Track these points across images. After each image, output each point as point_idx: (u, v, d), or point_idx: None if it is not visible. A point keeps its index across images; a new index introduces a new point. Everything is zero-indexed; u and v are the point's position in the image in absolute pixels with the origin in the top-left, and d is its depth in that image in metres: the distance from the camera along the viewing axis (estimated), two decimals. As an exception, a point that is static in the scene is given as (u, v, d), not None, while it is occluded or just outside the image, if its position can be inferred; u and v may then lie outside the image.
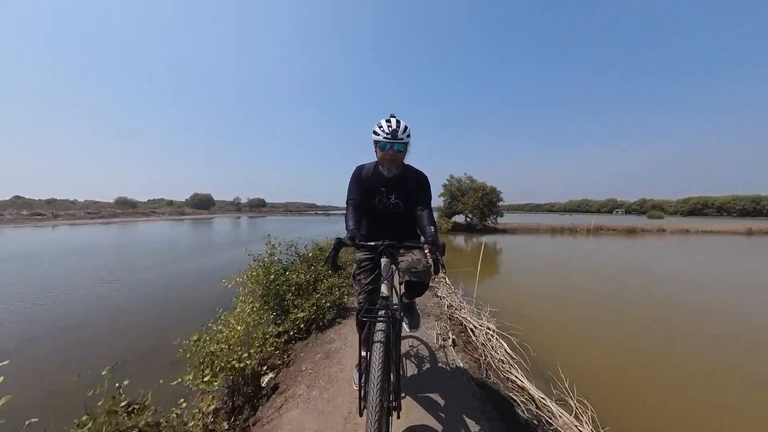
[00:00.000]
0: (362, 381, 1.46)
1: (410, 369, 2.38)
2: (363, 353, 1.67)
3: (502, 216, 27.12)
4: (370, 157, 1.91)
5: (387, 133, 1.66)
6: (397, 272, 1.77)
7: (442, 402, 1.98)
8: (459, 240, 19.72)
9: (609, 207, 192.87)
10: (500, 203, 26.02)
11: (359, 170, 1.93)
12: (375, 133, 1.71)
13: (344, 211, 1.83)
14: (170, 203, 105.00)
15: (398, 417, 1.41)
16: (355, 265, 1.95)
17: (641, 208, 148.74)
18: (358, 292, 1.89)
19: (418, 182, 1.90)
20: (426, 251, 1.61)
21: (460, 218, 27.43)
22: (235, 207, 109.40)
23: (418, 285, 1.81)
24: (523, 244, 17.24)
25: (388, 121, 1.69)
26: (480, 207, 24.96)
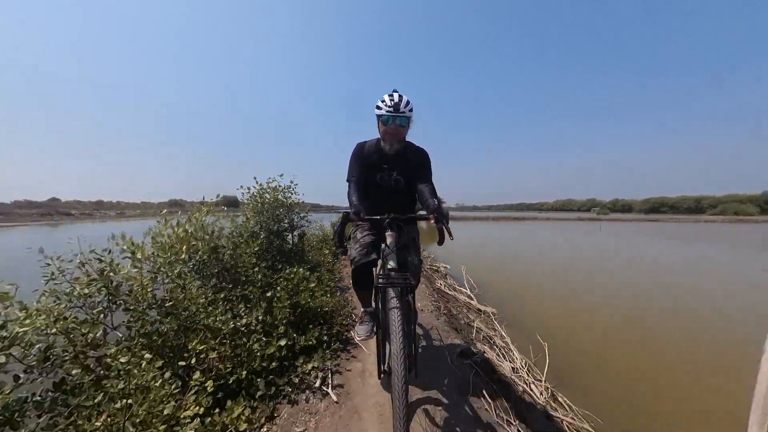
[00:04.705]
0: (377, 337, 1.58)
1: None
2: (364, 308, 1.98)
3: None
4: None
5: (389, 107, 1.65)
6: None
7: (443, 378, 2.01)
8: (421, 224, 37.46)
9: (588, 206, 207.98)
10: (444, 204, 46.95)
11: (360, 146, 1.91)
12: (378, 107, 1.70)
13: (344, 211, 1.76)
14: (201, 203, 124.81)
15: (416, 376, 1.50)
16: (354, 228, 2.00)
17: (614, 207, 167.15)
18: (353, 245, 1.90)
19: (419, 157, 1.91)
20: (432, 222, 1.58)
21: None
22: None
23: None
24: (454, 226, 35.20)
25: (390, 95, 1.68)
26: (432, 207, 45.81)
